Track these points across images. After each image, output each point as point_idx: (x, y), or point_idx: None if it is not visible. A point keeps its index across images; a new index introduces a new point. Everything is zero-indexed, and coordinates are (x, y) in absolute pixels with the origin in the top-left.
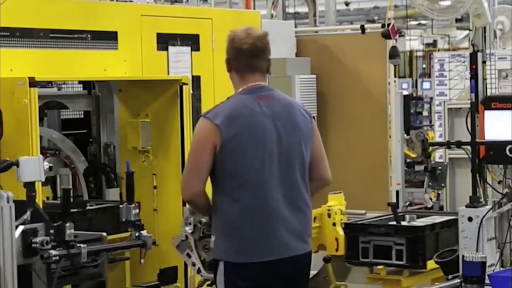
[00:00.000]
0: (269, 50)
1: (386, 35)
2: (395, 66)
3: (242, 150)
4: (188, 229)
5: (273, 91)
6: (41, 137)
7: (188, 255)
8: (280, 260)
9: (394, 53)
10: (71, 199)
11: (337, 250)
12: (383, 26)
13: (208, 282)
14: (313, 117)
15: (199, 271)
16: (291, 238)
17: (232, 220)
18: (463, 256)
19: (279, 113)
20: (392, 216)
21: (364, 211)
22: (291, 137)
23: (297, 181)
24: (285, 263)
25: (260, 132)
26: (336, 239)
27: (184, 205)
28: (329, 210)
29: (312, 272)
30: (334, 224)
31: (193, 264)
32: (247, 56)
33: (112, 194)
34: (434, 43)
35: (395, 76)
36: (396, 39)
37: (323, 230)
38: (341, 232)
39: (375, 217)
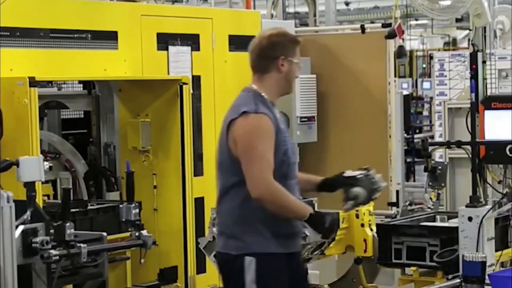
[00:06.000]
0: (253, 51)
1: (392, 35)
2: (395, 65)
3: None
4: (215, 229)
5: (242, 92)
6: (41, 140)
7: (216, 257)
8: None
9: (401, 53)
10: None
11: (365, 251)
12: (383, 25)
13: None
14: (312, 117)
15: None
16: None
17: None
18: (463, 256)
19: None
20: (424, 216)
21: (393, 212)
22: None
23: (219, 182)
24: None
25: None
26: (365, 240)
27: (184, 205)
28: (357, 211)
29: (340, 274)
30: (362, 225)
31: None
32: None
33: (112, 198)
34: (454, 42)
35: (395, 76)
36: (403, 39)
37: (351, 231)
38: (370, 233)
39: (405, 218)
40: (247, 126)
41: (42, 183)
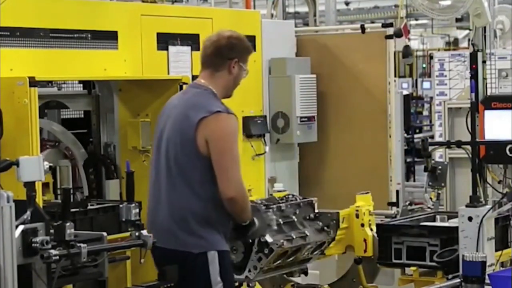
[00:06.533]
0: (209, 46)
1: (399, 34)
2: (395, 65)
3: (154, 137)
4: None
5: (195, 88)
6: (41, 129)
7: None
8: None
9: (407, 52)
10: (71, 192)
11: (365, 251)
12: (383, 25)
13: (236, 284)
14: (312, 117)
15: None
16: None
17: None
18: (463, 256)
19: (175, 107)
20: (424, 216)
21: (393, 212)
22: (171, 133)
23: (173, 178)
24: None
25: (162, 121)
26: (365, 240)
27: None
28: (357, 211)
29: (340, 274)
30: (362, 225)
31: None
32: None
33: (112, 186)
34: (456, 41)
35: (395, 76)
36: (409, 38)
37: (351, 231)
38: (370, 233)
39: (405, 218)
40: (222, 127)
41: None
